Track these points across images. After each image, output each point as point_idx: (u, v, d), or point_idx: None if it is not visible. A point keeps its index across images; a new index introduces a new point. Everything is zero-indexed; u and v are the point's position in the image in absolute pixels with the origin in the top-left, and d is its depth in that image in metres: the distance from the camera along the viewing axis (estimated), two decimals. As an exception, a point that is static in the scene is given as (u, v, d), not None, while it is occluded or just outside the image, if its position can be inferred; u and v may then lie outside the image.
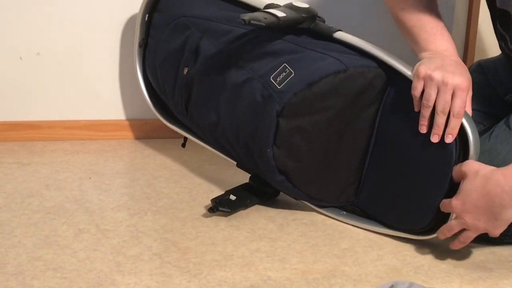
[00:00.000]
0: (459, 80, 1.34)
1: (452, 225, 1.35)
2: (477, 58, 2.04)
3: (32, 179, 1.71)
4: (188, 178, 1.73)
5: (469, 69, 1.67)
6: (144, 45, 1.80)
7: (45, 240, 1.43)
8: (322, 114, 1.44)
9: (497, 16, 1.49)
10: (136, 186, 1.69)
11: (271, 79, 1.47)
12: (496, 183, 1.28)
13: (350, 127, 1.47)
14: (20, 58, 1.91)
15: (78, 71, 1.93)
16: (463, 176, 1.33)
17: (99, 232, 1.47)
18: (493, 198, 1.28)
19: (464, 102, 1.34)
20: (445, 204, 1.36)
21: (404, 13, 1.47)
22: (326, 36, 1.51)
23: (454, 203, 1.33)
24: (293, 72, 1.45)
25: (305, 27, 1.53)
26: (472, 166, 1.32)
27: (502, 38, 1.50)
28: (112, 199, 1.62)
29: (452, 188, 1.36)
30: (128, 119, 1.98)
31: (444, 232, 1.37)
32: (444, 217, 1.39)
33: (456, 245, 1.37)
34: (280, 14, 1.49)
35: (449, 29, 1.98)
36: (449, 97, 1.34)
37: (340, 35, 1.51)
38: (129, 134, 1.98)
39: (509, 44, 1.48)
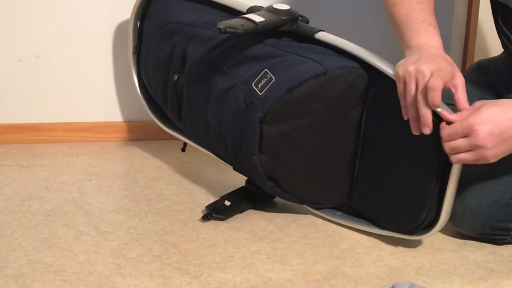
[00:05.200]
0: (433, 66, 1.31)
1: (468, 158, 1.29)
2: (478, 57, 2.03)
3: (32, 181, 1.71)
4: (188, 180, 1.73)
5: (469, 68, 1.67)
6: (138, 52, 1.80)
7: (45, 242, 1.43)
8: (305, 118, 1.43)
9: (498, 11, 1.48)
10: (136, 188, 1.69)
11: (253, 86, 1.45)
12: None
13: (335, 130, 1.46)
14: (20, 60, 1.91)
15: (78, 73, 1.93)
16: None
17: (99, 234, 1.47)
18: None
19: (440, 81, 1.30)
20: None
21: (396, 9, 1.45)
22: (308, 38, 1.49)
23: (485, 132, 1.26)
24: (273, 78, 1.43)
25: (286, 29, 1.50)
26: (477, 103, 1.29)
27: (503, 34, 1.50)
28: (112, 201, 1.62)
29: (442, 190, 1.36)
30: (127, 121, 1.98)
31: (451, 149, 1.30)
32: (435, 217, 1.38)
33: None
34: (258, 19, 1.47)
35: (448, 27, 1.99)
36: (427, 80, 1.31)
37: (321, 35, 1.48)
38: (129, 136, 1.98)
39: (511, 39, 1.47)
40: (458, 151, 1.29)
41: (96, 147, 1.93)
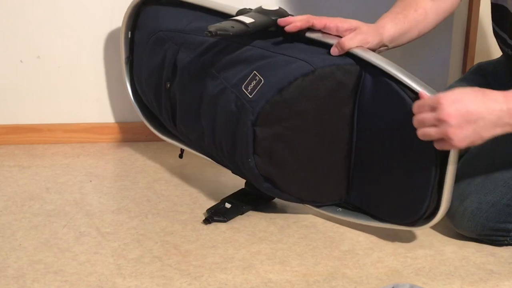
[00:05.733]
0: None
1: (431, 133, 1.28)
2: (478, 57, 2.04)
3: (33, 182, 1.71)
4: (189, 181, 1.73)
5: (469, 70, 1.68)
6: (130, 62, 1.80)
7: (45, 243, 1.43)
8: (297, 118, 1.42)
9: (493, 13, 1.48)
10: (137, 189, 1.69)
11: (243, 88, 1.44)
12: (495, 100, 1.25)
13: (328, 127, 1.45)
14: (21, 61, 1.91)
15: (78, 74, 1.94)
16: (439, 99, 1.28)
17: (99, 235, 1.47)
18: (490, 115, 1.25)
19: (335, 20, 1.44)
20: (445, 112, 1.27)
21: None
22: (298, 36, 1.49)
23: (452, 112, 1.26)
24: (262, 79, 1.42)
25: (276, 30, 1.50)
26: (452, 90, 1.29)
27: (498, 36, 1.50)
28: (113, 202, 1.62)
29: (441, 179, 1.36)
30: (128, 122, 1.98)
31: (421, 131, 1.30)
32: (436, 208, 1.39)
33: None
34: (248, 20, 1.46)
35: (449, 28, 1.99)
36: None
37: (312, 33, 1.48)
38: (130, 136, 1.98)
39: (508, 41, 1.47)
40: (423, 125, 1.29)
41: (97, 148, 1.94)
